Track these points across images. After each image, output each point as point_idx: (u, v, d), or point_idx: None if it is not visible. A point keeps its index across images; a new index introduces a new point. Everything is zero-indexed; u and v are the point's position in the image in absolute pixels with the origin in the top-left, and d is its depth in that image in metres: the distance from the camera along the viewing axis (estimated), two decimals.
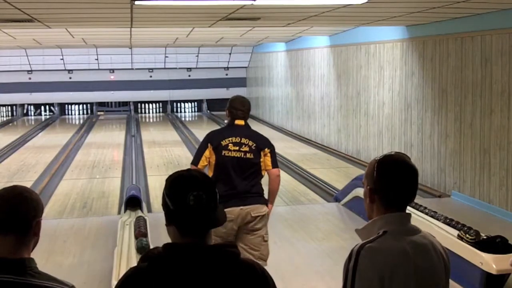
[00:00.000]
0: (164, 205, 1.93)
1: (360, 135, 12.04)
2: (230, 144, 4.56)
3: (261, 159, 4.62)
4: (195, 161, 4.64)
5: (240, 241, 4.57)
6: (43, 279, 1.97)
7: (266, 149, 4.62)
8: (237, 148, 4.56)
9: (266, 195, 4.75)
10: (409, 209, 2.21)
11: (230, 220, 4.42)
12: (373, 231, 2.08)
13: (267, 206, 4.65)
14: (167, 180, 1.96)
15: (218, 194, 1.97)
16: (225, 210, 4.55)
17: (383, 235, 2.04)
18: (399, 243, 2.03)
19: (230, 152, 4.55)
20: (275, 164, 4.67)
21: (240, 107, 4.68)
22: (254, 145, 4.58)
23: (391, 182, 2.09)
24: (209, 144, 4.61)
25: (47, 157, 13.04)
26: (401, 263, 2.00)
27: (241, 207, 4.49)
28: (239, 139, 4.58)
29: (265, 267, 2.02)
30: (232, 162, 4.53)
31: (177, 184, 1.93)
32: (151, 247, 5.11)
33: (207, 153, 4.60)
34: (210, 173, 4.58)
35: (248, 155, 4.56)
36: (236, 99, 4.75)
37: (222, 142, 4.56)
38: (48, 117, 22.92)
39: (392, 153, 2.19)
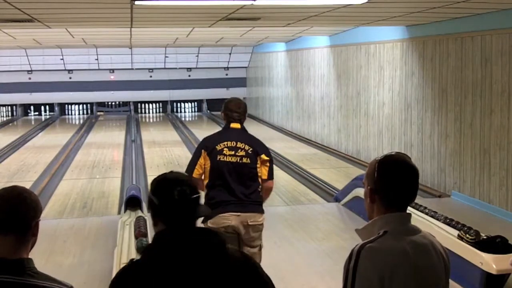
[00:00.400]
0: (150, 204, 2.09)
1: (360, 135, 12.04)
2: (225, 149, 4.39)
3: (258, 165, 4.45)
4: (189, 170, 4.44)
5: None
6: (42, 279, 1.97)
7: (263, 156, 4.46)
8: (232, 152, 4.39)
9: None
10: (409, 209, 2.21)
11: (226, 226, 4.31)
12: (373, 231, 2.08)
13: (263, 214, 4.51)
14: (152, 183, 2.13)
15: (200, 191, 2.16)
16: (222, 215, 4.51)
17: (383, 235, 2.05)
18: (399, 243, 2.03)
19: (225, 157, 4.38)
20: (271, 176, 4.52)
21: (235, 109, 4.52)
22: (251, 149, 4.42)
23: (391, 182, 2.09)
24: (203, 151, 4.44)
25: (47, 157, 13.04)
26: (401, 263, 2.00)
27: (239, 213, 4.35)
28: (234, 143, 4.41)
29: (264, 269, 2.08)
30: (228, 167, 4.37)
31: (162, 182, 2.10)
32: None
33: (201, 160, 4.43)
34: (205, 180, 4.43)
35: (244, 160, 4.39)
36: (231, 101, 4.61)
37: (216, 147, 4.40)
38: (48, 117, 22.93)
39: (393, 153, 2.19)
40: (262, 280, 2.04)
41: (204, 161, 4.42)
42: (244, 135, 4.51)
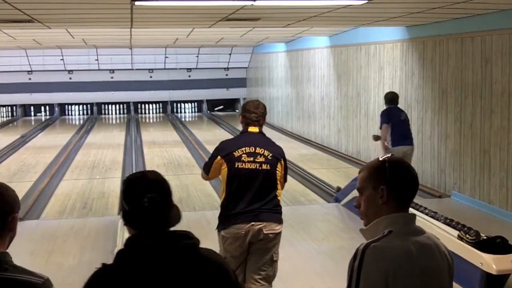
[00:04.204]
0: (121, 206, 2.04)
1: (360, 135, 12.04)
2: (243, 155, 4.17)
3: (278, 170, 4.25)
4: (206, 171, 4.33)
5: (248, 259, 4.25)
6: (18, 273, 1.98)
7: (282, 161, 4.28)
8: (251, 159, 4.16)
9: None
10: (409, 210, 2.22)
11: (239, 236, 4.13)
12: (378, 231, 2.08)
13: (282, 223, 4.29)
14: (123, 184, 2.06)
15: (172, 194, 2.05)
16: (234, 226, 4.18)
17: (388, 234, 2.05)
18: (404, 243, 2.04)
19: (244, 164, 4.15)
20: (285, 178, 4.38)
21: (253, 110, 4.31)
22: (271, 155, 4.20)
23: (404, 178, 2.12)
24: (219, 156, 4.23)
25: (47, 157, 13.04)
26: (406, 263, 2.01)
27: (252, 222, 4.13)
28: (253, 149, 4.19)
29: None
30: (246, 174, 4.14)
31: (131, 186, 2.02)
32: None
33: (216, 165, 4.24)
34: (222, 188, 4.25)
35: (264, 166, 4.17)
36: (250, 102, 4.42)
37: (234, 153, 4.18)
38: (48, 117, 22.94)
39: (388, 154, 2.22)
40: (230, 282, 2.02)
41: (220, 167, 4.24)
42: (263, 140, 4.30)
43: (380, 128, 8.31)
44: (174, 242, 1.95)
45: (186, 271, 1.93)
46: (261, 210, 4.17)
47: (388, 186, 2.10)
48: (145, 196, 1.96)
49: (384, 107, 8.60)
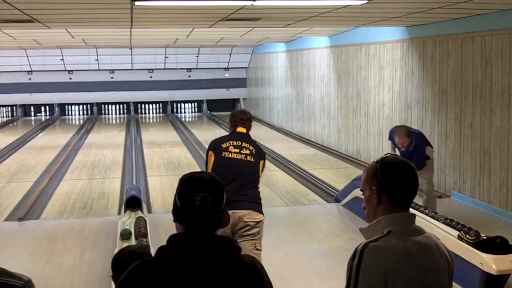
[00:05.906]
0: (174, 202, 2.06)
1: (360, 135, 12.04)
2: (230, 147, 4.58)
3: (260, 167, 4.64)
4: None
5: None
6: None
7: (263, 161, 4.68)
8: (237, 150, 4.57)
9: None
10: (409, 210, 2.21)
11: None
12: (378, 231, 2.08)
13: (262, 214, 4.58)
14: (179, 181, 2.08)
15: (225, 198, 2.08)
16: None
17: (387, 234, 2.05)
18: (403, 242, 2.03)
19: (230, 154, 4.55)
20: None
21: (240, 115, 4.79)
22: (255, 150, 4.63)
23: (396, 178, 2.11)
24: (210, 151, 4.65)
25: (47, 157, 13.04)
26: (405, 263, 2.00)
27: (233, 211, 4.34)
28: (240, 143, 4.61)
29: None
30: (231, 163, 4.52)
31: (186, 184, 2.05)
32: (151, 247, 5.11)
33: (210, 163, 4.62)
34: None
35: (248, 158, 4.57)
36: (236, 110, 4.94)
37: (222, 145, 4.60)
38: (48, 117, 22.94)
39: (387, 154, 2.21)
40: None
41: (211, 161, 4.61)
42: (249, 139, 4.72)
43: (420, 167, 6.99)
44: (217, 247, 1.98)
45: (224, 276, 1.95)
46: (243, 199, 4.46)
47: (379, 186, 2.11)
48: (197, 195, 1.99)
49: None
